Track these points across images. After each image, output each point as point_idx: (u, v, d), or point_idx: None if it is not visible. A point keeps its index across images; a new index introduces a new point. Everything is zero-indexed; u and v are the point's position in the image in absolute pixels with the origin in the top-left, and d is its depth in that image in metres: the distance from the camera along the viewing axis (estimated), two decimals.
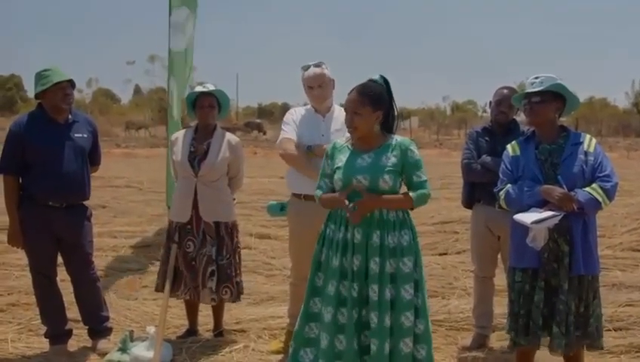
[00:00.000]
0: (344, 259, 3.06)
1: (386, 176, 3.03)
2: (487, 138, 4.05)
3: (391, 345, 2.99)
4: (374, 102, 3.07)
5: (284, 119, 4.05)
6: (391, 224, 3.05)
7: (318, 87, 3.89)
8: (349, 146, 3.17)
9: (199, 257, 4.04)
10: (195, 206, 4.04)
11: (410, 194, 3.08)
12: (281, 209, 4.14)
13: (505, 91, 4.00)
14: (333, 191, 3.16)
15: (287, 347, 3.98)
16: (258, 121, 40.90)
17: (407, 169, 3.09)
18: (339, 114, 3.90)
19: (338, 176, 3.11)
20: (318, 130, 3.90)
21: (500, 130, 4.02)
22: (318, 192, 3.22)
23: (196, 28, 6.10)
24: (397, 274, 3.02)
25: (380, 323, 2.97)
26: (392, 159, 3.06)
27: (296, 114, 4.03)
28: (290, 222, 4.08)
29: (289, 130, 3.94)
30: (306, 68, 3.91)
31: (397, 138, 3.15)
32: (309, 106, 4.03)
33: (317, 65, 3.90)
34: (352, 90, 3.12)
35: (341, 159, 3.14)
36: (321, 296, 3.15)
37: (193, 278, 4.05)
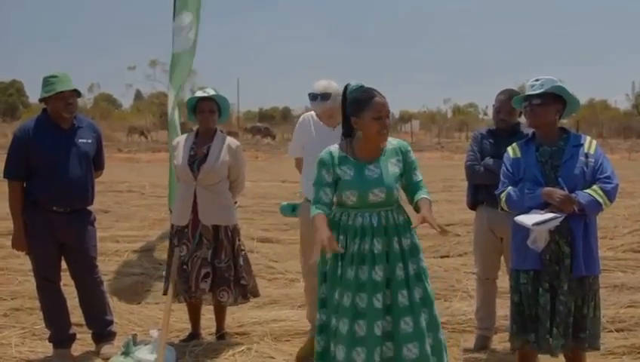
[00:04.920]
0: (360, 270, 2.96)
1: (397, 185, 3.06)
2: (491, 140, 4.07)
3: (432, 340, 3.00)
4: None
5: (295, 130, 4.19)
6: (401, 227, 3.05)
7: (328, 118, 3.91)
8: (349, 157, 3.06)
9: (192, 260, 4.06)
10: (195, 209, 4.06)
11: (426, 196, 3.09)
12: (292, 210, 4.18)
13: (502, 97, 4.02)
14: (332, 200, 3.06)
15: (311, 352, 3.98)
16: (260, 125, 40.78)
17: (407, 170, 3.11)
18: None
19: (350, 191, 3.00)
20: (328, 141, 3.89)
21: (503, 132, 4.04)
22: (317, 209, 3.00)
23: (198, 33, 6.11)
24: (420, 273, 3.05)
25: (417, 326, 2.95)
26: (396, 165, 3.07)
27: (304, 125, 4.08)
28: (301, 224, 4.12)
29: (296, 148, 4.18)
30: (313, 98, 3.87)
31: (392, 141, 3.12)
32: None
33: (324, 98, 3.85)
34: (376, 94, 3.02)
35: (346, 171, 3.03)
36: (325, 307, 3.09)
37: (184, 281, 4.07)
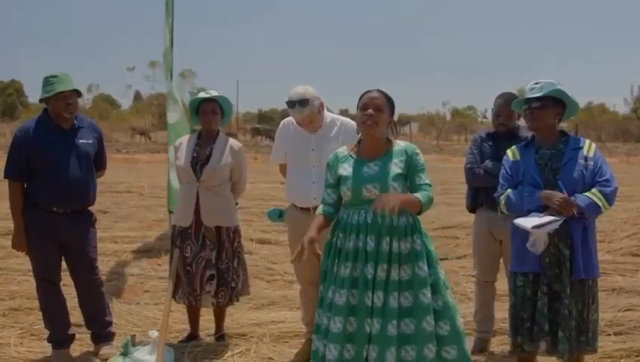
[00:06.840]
0: (354, 267, 3.00)
1: (395, 183, 3.02)
2: (490, 143, 4.08)
3: (416, 353, 2.94)
4: (391, 106, 3.14)
5: (275, 136, 4.16)
6: (402, 231, 3.00)
7: (308, 124, 3.86)
8: (352, 155, 3.14)
9: (196, 261, 4.06)
10: (197, 211, 4.06)
11: (418, 195, 3.00)
12: (279, 216, 4.18)
13: (500, 101, 4.03)
14: (338, 201, 3.15)
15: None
16: (260, 126, 40.85)
17: (411, 172, 3.08)
18: (332, 124, 3.90)
19: (346, 186, 3.06)
20: (307, 145, 3.89)
21: (503, 135, 4.05)
22: (320, 211, 3.18)
23: (196, 35, 6.34)
24: (413, 280, 2.99)
25: (383, 331, 2.91)
26: (398, 165, 3.06)
27: (284, 130, 4.04)
28: (288, 229, 4.12)
29: (278, 154, 4.11)
30: (291, 105, 3.77)
31: (401, 144, 3.15)
32: None
33: (302, 104, 3.73)
34: (369, 91, 3.11)
35: (346, 168, 3.10)
36: (322, 307, 3.10)
37: (189, 283, 4.08)
